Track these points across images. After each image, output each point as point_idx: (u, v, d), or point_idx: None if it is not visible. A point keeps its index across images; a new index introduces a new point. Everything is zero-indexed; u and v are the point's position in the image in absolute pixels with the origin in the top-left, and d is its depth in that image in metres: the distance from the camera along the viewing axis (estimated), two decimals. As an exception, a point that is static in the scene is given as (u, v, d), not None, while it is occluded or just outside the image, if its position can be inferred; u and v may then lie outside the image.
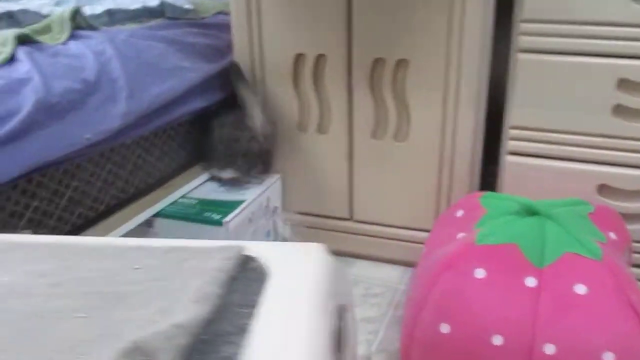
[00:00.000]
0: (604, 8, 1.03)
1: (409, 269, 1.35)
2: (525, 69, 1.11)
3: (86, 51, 1.04)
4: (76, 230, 1.01)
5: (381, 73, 1.21)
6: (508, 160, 1.19)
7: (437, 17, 1.13)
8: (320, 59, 1.25)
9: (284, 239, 1.35)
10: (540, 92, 1.12)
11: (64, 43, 1.07)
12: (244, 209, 1.18)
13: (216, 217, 1.13)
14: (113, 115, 1.00)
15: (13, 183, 0.86)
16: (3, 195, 0.86)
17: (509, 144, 1.18)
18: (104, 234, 1.04)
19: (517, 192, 1.15)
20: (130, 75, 1.06)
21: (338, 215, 1.38)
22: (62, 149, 0.92)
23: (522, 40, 1.10)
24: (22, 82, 0.88)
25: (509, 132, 1.17)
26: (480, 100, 1.17)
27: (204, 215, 1.14)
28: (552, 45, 1.08)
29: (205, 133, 1.30)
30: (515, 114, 1.15)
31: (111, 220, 1.07)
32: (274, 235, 1.35)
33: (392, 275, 1.34)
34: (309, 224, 1.39)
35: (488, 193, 1.11)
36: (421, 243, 1.30)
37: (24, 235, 0.51)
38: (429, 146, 1.23)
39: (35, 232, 0.92)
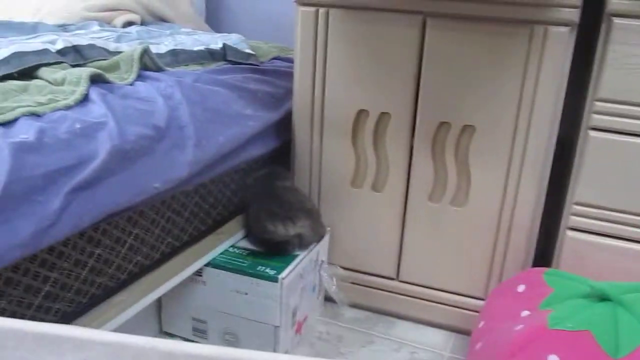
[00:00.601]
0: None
1: (453, 335, 1.31)
2: (595, 147, 1.10)
3: (155, 94, 1.02)
4: (131, 279, 0.97)
5: (445, 136, 1.20)
6: (568, 236, 1.16)
7: (509, 85, 1.12)
8: (383, 116, 1.24)
9: (329, 294, 1.32)
10: (608, 171, 1.09)
11: (132, 84, 1.05)
12: (298, 264, 1.15)
13: (271, 272, 1.09)
14: (181, 163, 0.98)
15: (80, 232, 0.84)
16: (69, 244, 0.83)
17: (570, 220, 1.16)
18: (158, 283, 1.00)
19: (575, 269, 1.12)
20: (197, 121, 1.05)
21: (384, 274, 1.34)
22: (131, 197, 0.89)
23: (595, 119, 1.08)
24: (98, 127, 0.86)
25: (571, 207, 1.15)
26: (544, 171, 1.15)
27: (258, 270, 1.10)
28: (625, 125, 1.07)
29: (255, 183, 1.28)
30: (580, 190, 1.13)
31: (164, 269, 1.04)
32: (319, 289, 1.31)
33: (436, 339, 1.30)
34: (354, 280, 1.36)
35: (551, 270, 1.08)
36: (468, 310, 1.27)
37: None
38: (487, 214, 1.21)
39: (90, 282, 0.89)
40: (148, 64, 1.13)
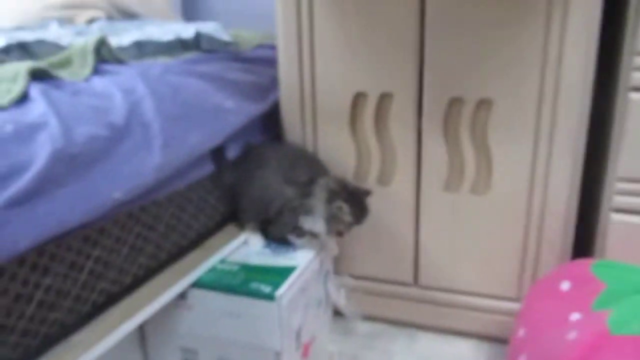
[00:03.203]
0: None
1: (485, 344, 1.14)
2: (637, 111, 0.92)
3: (113, 89, 0.86)
4: (97, 311, 0.81)
5: (458, 114, 1.03)
6: (613, 219, 0.99)
7: (529, 46, 0.95)
8: (384, 98, 1.07)
9: (338, 309, 1.14)
10: (656, 138, 0.92)
11: (87, 79, 0.90)
12: (298, 277, 0.98)
13: (266, 289, 0.92)
14: (146, 168, 0.82)
15: (20, 258, 0.67)
16: (6, 274, 0.66)
17: (614, 200, 0.98)
18: (130, 313, 0.83)
19: (624, 258, 0.94)
20: (166, 118, 0.88)
21: (400, 279, 1.17)
22: (84, 212, 0.73)
23: (636, 78, 0.91)
24: (36, 128, 0.71)
25: (614, 185, 0.98)
26: (578, 144, 0.98)
27: (251, 287, 0.93)
28: (672, 82, 0.90)
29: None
30: (623, 164, 0.96)
31: (139, 295, 0.87)
32: (325, 304, 1.14)
33: (466, 350, 1.13)
34: (366, 289, 1.18)
35: (601, 261, 0.91)
36: (500, 314, 1.10)
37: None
38: (514, 200, 1.04)
39: (39, 320, 0.72)
40: (106, 57, 0.97)
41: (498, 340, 1.13)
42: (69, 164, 0.71)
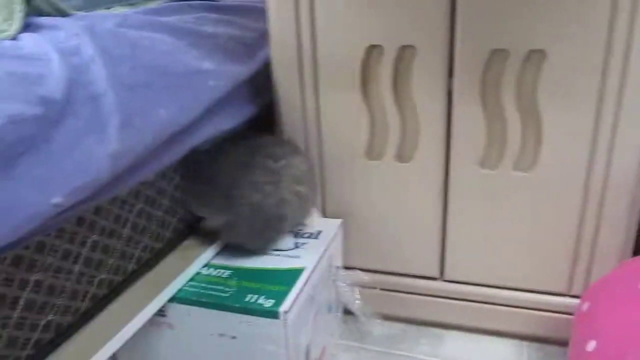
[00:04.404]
0: None
1: (525, 344, 0.96)
2: None
3: (49, 49, 0.63)
4: (42, 355, 0.60)
5: (500, 71, 0.81)
6: (693, 197, 0.80)
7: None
8: (405, 51, 0.84)
9: (351, 310, 0.95)
10: None
11: (14, 37, 0.66)
12: (305, 283, 0.77)
13: (267, 304, 0.72)
14: (97, 157, 0.59)
15: None
16: None
17: (694, 173, 0.79)
18: (89, 351, 0.63)
19: None
20: (124, 88, 0.65)
21: (423, 273, 0.98)
22: (13, 229, 0.51)
23: None
24: None
25: (696, 155, 0.78)
26: (652, 108, 0.77)
27: (246, 302, 0.73)
28: None
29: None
30: None
31: (99, 323, 0.66)
32: (336, 307, 0.95)
33: (503, 353, 0.95)
34: (383, 285, 0.99)
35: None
36: (544, 310, 0.92)
37: None
38: (568, 178, 0.84)
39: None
40: (42, 7, 0.73)
41: (544, 340, 0.95)
42: (-21, 161, 0.49)
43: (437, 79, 0.84)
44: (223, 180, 0.83)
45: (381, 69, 0.86)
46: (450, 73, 0.83)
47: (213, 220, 0.85)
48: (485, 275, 0.94)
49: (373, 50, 0.86)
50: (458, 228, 0.92)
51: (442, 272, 0.97)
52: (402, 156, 0.91)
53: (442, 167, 0.89)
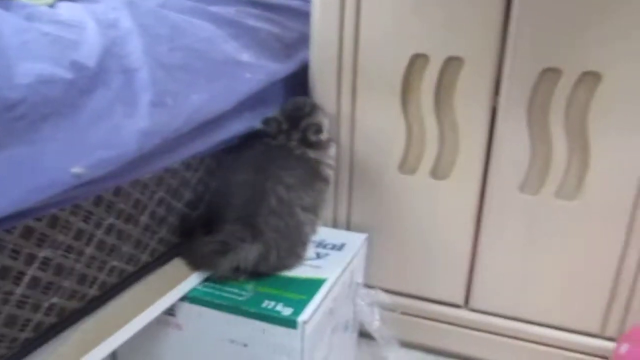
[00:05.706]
0: None
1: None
2: None
3: (86, 18, 0.60)
4: (42, 340, 0.55)
5: (550, 92, 0.77)
6: None
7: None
8: (450, 63, 0.81)
9: (368, 332, 0.89)
10: None
11: (52, 5, 0.64)
12: (327, 294, 0.72)
13: (285, 312, 0.67)
14: (126, 131, 0.56)
15: None
16: None
17: None
18: (91, 342, 0.58)
19: None
20: (160, 66, 0.62)
21: (447, 299, 0.92)
22: (26, 194, 0.47)
23: None
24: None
25: None
26: None
27: (263, 308, 0.68)
28: None
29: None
30: None
31: (104, 313, 0.62)
32: (353, 327, 0.89)
33: (526, 397, 0.88)
34: (404, 308, 0.93)
35: None
36: (573, 351, 0.86)
37: None
38: (614, 209, 0.78)
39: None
40: (84, -20, 0.71)
41: (569, 384, 0.88)
42: (4, 120, 0.46)
43: (482, 94, 0.80)
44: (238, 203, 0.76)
45: (424, 79, 0.82)
46: (497, 89, 0.79)
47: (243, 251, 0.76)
48: (513, 307, 0.89)
49: (417, 59, 0.82)
50: (489, 254, 0.87)
51: (467, 300, 0.91)
52: (437, 172, 0.86)
53: (479, 187, 0.84)
